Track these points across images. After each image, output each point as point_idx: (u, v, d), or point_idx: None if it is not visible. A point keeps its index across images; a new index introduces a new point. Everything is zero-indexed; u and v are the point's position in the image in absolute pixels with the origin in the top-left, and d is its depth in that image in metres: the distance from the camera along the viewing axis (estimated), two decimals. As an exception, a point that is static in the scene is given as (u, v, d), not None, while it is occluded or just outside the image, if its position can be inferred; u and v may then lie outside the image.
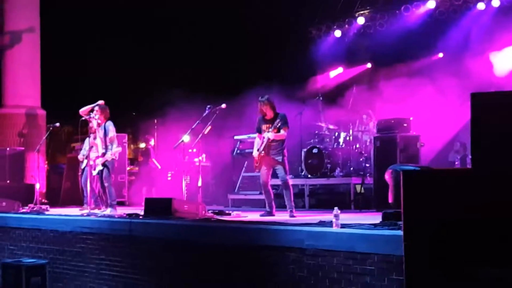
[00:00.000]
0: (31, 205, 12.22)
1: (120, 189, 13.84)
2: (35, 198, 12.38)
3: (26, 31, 16.37)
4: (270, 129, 9.65)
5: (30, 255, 10.33)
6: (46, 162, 14.45)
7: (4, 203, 12.10)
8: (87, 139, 11.73)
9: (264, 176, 9.86)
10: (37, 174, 12.59)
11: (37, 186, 12.49)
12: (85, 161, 11.51)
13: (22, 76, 16.35)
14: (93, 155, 11.22)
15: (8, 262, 10.07)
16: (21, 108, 16.31)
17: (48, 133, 13.22)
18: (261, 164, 9.82)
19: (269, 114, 9.79)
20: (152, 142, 16.22)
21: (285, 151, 9.81)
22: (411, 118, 11.51)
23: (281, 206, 10.15)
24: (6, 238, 10.96)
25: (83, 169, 11.96)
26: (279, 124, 9.64)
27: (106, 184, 10.93)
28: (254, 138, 13.67)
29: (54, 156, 16.31)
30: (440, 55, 15.75)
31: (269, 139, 9.63)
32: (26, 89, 16.42)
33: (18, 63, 16.41)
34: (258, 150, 9.80)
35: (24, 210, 12.03)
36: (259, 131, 9.92)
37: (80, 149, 12.75)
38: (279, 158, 9.68)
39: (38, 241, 10.32)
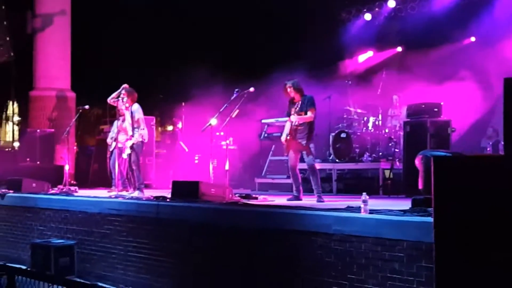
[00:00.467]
0: (60, 187, 12.33)
1: (147, 172, 13.90)
2: (64, 179, 12.47)
3: (57, 14, 16.48)
4: (297, 112, 9.58)
5: (59, 236, 10.44)
6: (75, 144, 14.55)
7: (34, 184, 12.25)
8: (115, 122, 11.77)
9: (292, 160, 9.80)
10: (66, 156, 12.67)
11: (66, 167, 12.57)
12: (114, 144, 11.56)
13: (53, 59, 16.50)
14: (121, 138, 11.26)
15: (37, 243, 10.20)
16: (51, 90, 16.46)
17: (77, 115, 13.29)
18: (288, 148, 9.76)
19: (297, 98, 9.72)
20: (179, 125, 16.24)
21: (312, 135, 9.71)
22: (441, 103, 11.33)
23: (309, 191, 10.10)
24: (35, 219, 11.07)
25: (112, 152, 12.02)
26: (305, 107, 9.56)
27: (134, 167, 10.99)
28: (282, 122, 13.73)
29: (83, 138, 16.42)
30: (472, 39, 15.46)
31: (295, 122, 9.57)
32: (57, 72, 16.57)
33: (49, 46, 16.55)
34: (286, 134, 9.73)
35: (53, 191, 12.16)
36: (289, 115, 9.85)
37: (109, 132, 12.80)
38: (304, 142, 9.59)
39: (66, 222, 10.41)
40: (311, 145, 9.69)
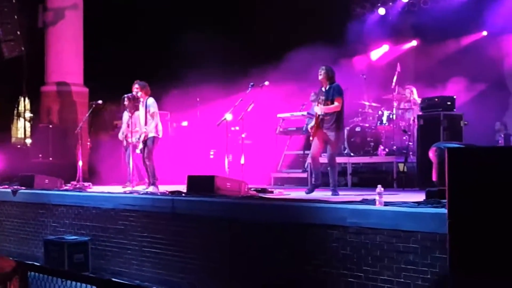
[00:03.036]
0: (74, 182, 12.32)
1: (162, 167, 13.90)
2: (77, 175, 12.46)
3: (69, 8, 16.46)
4: (324, 102, 9.42)
5: (73, 232, 10.41)
6: (89, 140, 14.60)
7: (47, 180, 12.21)
8: (124, 116, 11.79)
9: (315, 149, 9.59)
10: (79, 152, 12.66)
11: (80, 163, 12.55)
12: (124, 140, 11.52)
13: (65, 53, 16.48)
14: (135, 132, 11.32)
15: (51, 239, 10.17)
16: (64, 85, 16.46)
17: (90, 110, 13.29)
18: (313, 137, 9.57)
19: (324, 85, 9.56)
20: (185, 123, 16.22)
21: (341, 125, 9.58)
22: (454, 97, 11.37)
23: (325, 185, 10.06)
24: (49, 215, 11.08)
25: (126, 147, 12.05)
26: (331, 96, 9.39)
27: (147, 162, 11.02)
28: (297, 116, 13.73)
29: (96, 134, 16.43)
30: (484, 33, 15.39)
31: (320, 112, 9.42)
32: (69, 67, 16.57)
33: (61, 41, 16.52)
34: (313, 123, 9.61)
35: (66, 187, 12.16)
36: (316, 102, 9.74)
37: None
38: (331, 134, 9.43)
39: (80, 218, 10.41)
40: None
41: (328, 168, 9.65)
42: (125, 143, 12.09)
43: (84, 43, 16.85)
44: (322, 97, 9.50)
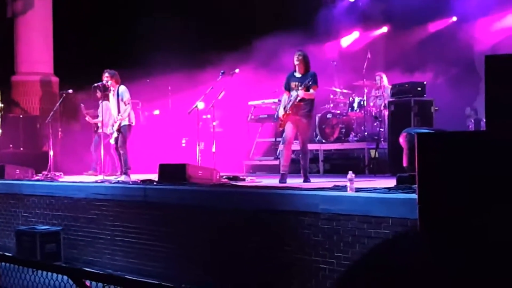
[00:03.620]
0: (45, 172, 12.25)
1: (133, 156, 13.84)
2: (48, 165, 12.39)
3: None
4: (300, 87, 9.21)
5: (45, 222, 10.37)
6: (60, 129, 14.44)
7: (17, 170, 12.15)
8: (100, 105, 11.71)
9: (290, 134, 9.37)
10: (50, 142, 12.57)
11: (51, 153, 12.48)
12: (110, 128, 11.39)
13: (35, 43, 16.35)
14: (107, 121, 11.26)
15: (22, 230, 10.11)
16: (34, 75, 16.33)
17: (61, 100, 13.19)
18: (285, 123, 9.36)
19: (300, 71, 9.37)
20: (157, 112, 16.18)
21: (313, 113, 9.54)
22: (425, 82, 11.43)
23: (296, 171, 10.09)
24: (20, 206, 11.00)
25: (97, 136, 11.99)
26: (310, 83, 9.19)
27: (121, 151, 10.97)
28: (268, 103, 13.73)
29: (67, 123, 16.29)
30: (454, 18, 15.50)
31: (297, 97, 9.18)
32: (39, 56, 16.43)
33: (31, 30, 16.37)
34: (284, 108, 9.37)
35: (38, 177, 12.08)
36: (288, 88, 9.48)
37: (95, 116, 12.79)
38: (305, 121, 9.34)
39: (52, 208, 10.35)
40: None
41: (300, 155, 9.65)
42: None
43: (54, 32, 16.67)
44: (296, 83, 9.31)
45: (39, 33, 16.39)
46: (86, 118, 12.97)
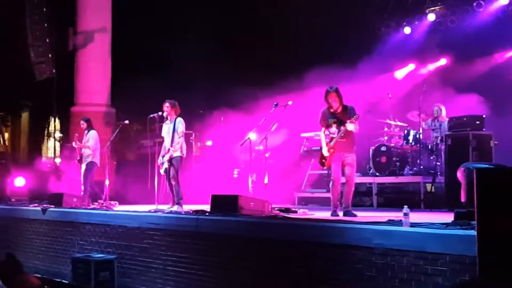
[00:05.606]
0: (101, 201, 12.47)
1: (186, 186, 13.92)
2: (104, 194, 12.59)
3: (98, 31, 16.73)
4: (338, 124, 9.04)
5: (99, 250, 10.49)
6: (115, 159, 14.68)
7: (75, 199, 12.42)
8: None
9: (336, 172, 9.17)
10: (106, 171, 12.78)
11: (107, 182, 12.68)
12: (160, 158, 11.49)
13: (93, 75, 16.77)
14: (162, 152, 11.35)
15: (78, 257, 10.30)
16: (92, 106, 16.69)
17: (117, 130, 13.42)
18: (330, 161, 9.22)
19: (336, 107, 9.17)
20: (209, 142, 16.31)
21: (355, 147, 9.35)
22: (484, 116, 11.16)
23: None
24: (76, 233, 11.18)
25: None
26: (355, 116, 8.98)
27: (173, 182, 11.05)
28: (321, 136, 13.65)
29: (123, 153, 16.58)
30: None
31: (341, 131, 8.97)
32: (97, 88, 16.84)
33: (90, 63, 16.84)
34: (327, 146, 9.19)
35: (94, 206, 12.28)
36: (326, 125, 9.32)
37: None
38: (352, 156, 9.14)
39: (107, 236, 10.47)
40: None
41: (345, 187, 9.33)
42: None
43: (111, 65, 17.07)
44: (334, 119, 9.16)
45: (98, 65, 16.80)
46: (73, 144, 13.58)
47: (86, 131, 13.49)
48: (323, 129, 9.41)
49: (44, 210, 12.03)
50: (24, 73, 16.56)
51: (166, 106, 11.24)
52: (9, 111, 23.14)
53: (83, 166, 13.27)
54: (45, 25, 16.17)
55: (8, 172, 15.42)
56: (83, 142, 13.37)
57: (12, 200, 14.73)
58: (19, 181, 14.94)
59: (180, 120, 11.16)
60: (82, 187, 13.20)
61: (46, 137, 23.08)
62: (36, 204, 13.01)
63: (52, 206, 12.19)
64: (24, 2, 15.94)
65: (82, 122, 13.76)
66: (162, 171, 11.29)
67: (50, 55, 16.24)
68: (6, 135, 20.60)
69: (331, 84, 9.51)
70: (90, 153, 13.25)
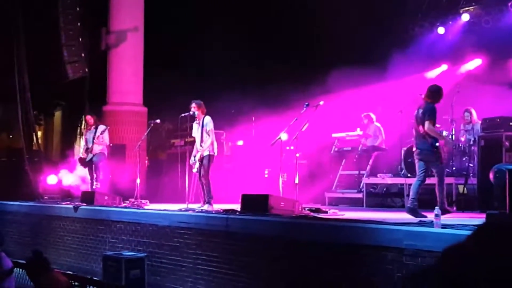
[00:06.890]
0: (132, 200, 12.53)
1: (217, 185, 13.95)
2: (135, 192, 12.67)
3: (130, 31, 16.84)
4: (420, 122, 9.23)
5: (130, 248, 10.58)
6: (147, 158, 14.77)
7: (106, 197, 12.56)
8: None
9: None
10: (138, 170, 12.86)
11: (138, 181, 12.75)
12: (192, 158, 11.53)
13: (126, 74, 16.86)
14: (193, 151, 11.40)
15: (109, 255, 10.39)
16: (124, 105, 16.81)
17: (149, 129, 13.50)
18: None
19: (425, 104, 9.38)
20: (240, 142, 16.30)
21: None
22: (517, 117, 11.01)
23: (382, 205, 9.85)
24: (107, 231, 11.28)
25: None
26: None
27: (204, 181, 11.10)
28: (352, 136, 13.61)
29: (154, 152, 16.68)
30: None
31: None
32: (129, 87, 16.92)
33: (122, 62, 16.92)
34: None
35: (125, 204, 12.37)
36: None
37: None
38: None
39: (137, 234, 10.55)
40: None
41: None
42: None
43: (144, 64, 17.19)
44: (420, 117, 9.32)
45: (130, 65, 16.91)
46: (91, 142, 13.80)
47: (93, 126, 13.86)
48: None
49: (76, 208, 12.19)
50: (57, 73, 16.72)
51: (193, 106, 11.34)
52: (42, 110, 23.42)
53: (95, 158, 13.61)
54: (78, 24, 16.32)
55: (41, 170, 15.59)
56: (95, 137, 13.60)
57: (45, 198, 14.93)
58: (52, 179, 15.11)
59: (208, 119, 11.21)
60: (95, 181, 13.57)
61: (78, 136, 23.31)
62: (68, 202, 13.18)
63: (84, 204, 12.33)
64: (57, 2, 16.10)
65: (89, 117, 14.23)
66: (194, 170, 11.35)
67: (83, 55, 16.38)
68: (39, 133, 20.79)
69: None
70: (103, 146, 13.75)
